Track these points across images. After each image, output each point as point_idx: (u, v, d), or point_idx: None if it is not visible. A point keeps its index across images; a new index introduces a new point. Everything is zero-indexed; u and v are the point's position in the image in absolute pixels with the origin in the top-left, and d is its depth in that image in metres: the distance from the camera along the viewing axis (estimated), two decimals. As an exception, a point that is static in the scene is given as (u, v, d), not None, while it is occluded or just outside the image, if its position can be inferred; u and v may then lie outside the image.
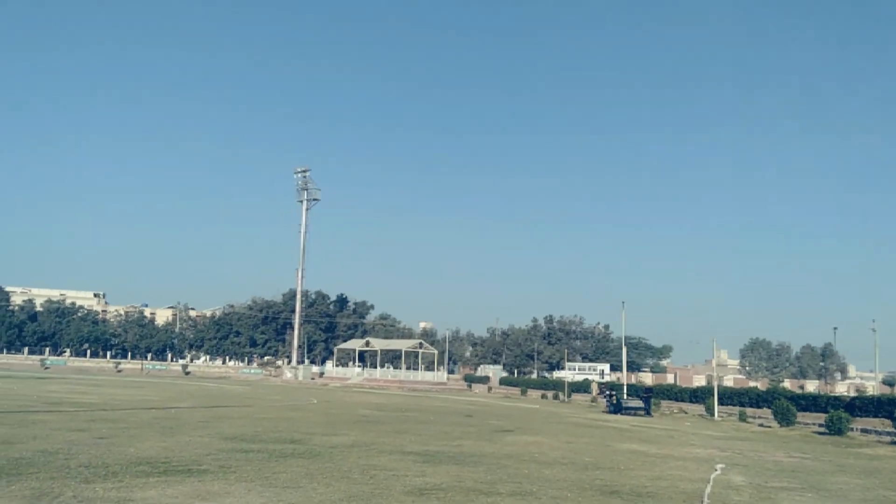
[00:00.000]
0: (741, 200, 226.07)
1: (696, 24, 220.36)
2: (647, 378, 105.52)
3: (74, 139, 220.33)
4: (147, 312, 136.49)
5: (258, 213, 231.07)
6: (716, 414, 41.83)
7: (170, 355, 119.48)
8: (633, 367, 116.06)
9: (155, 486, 10.62)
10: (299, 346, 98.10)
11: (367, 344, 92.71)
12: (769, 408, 39.92)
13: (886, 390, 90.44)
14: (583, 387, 70.76)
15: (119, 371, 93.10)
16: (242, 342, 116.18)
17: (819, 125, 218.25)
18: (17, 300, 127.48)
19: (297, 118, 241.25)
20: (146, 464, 12.84)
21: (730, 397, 49.00)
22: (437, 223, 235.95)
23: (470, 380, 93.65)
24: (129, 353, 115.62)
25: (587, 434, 25.93)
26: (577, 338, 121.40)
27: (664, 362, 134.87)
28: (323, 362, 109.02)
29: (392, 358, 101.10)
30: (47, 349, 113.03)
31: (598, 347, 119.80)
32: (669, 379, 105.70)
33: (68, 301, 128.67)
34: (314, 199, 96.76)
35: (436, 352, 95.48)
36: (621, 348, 67.41)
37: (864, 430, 32.95)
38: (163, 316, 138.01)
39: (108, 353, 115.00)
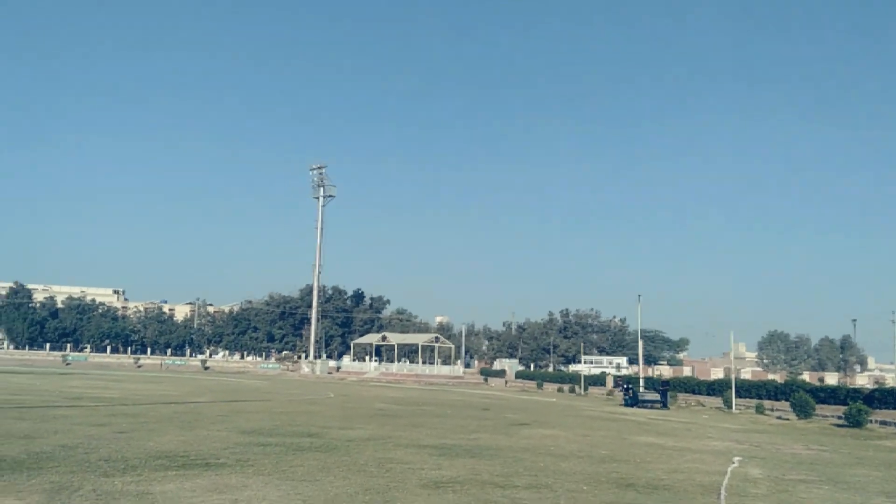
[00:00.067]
0: (759, 193, 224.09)
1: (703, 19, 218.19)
2: (665, 371, 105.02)
3: (91, 139, 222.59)
4: (166, 308, 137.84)
5: (275, 210, 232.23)
6: (733, 406, 41.57)
7: (189, 351, 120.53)
8: (650, 360, 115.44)
9: (173, 480, 10.75)
10: (316, 341, 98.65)
11: (384, 338, 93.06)
12: (787, 400, 39.58)
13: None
14: (599, 380, 70.60)
15: (139, 366, 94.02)
16: (260, 337, 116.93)
17: (842, 118, 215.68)
18: (38, 297, 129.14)
19: (315, 116, 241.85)
20: (165, 458, 12.99)
21: (747, 390, 48.67)
22: (453, 218, 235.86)
23: (486, 373, 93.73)
24: (149, 349, 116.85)
25: (603, 427, 25.88)
26: (593, 331, 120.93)
27: (681, 355, 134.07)
28: (340, 357, 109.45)
29: (408, 352, 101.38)
30: (68, 345, 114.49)
31: (615, 341, 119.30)
32: (687, 372, 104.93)
33: (89, 298, 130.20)
34: (330, 196, 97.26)
35: (452, 346, 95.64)
36: (638, 341, 67.13)
37: (883, 423, 32.60)
38: (181, 312, 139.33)
39: (128, 349, 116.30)
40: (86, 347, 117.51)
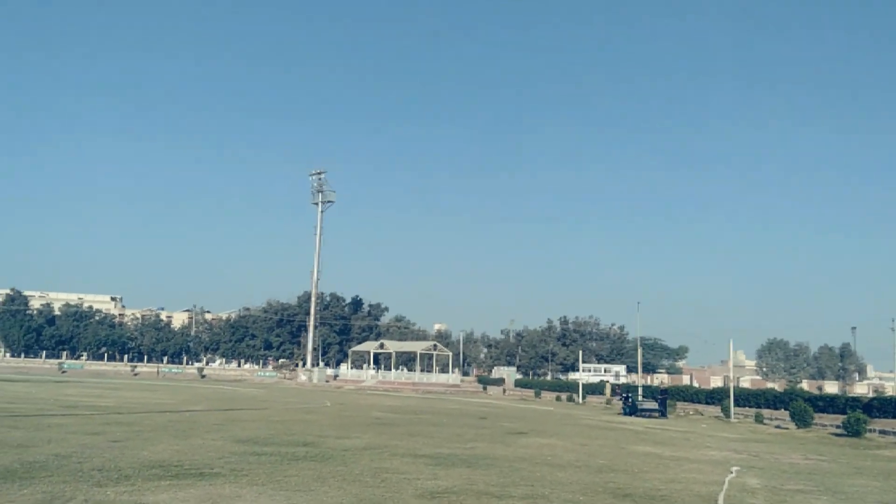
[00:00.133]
0: (757, 199, 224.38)
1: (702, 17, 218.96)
2: (664, 379, 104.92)
3: (89, 142, 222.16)
4: (163, 316, 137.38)
5: (273, 216, 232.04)
6: (732, 415, 41.47)
7: (185, 358, 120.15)
8: (649, 368, 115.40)
9: (166, 490, 10.66)
10: (314, 349, 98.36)
11: (382, 346, 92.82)
12: (786, 409, 39.50)
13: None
14: (598, 388, 70.41)
15: (135, 374, 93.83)
16: (258, 345, 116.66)
17: (843, 120, 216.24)
18: (35, 304, 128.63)
19: (311, 121, 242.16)
20: (159, 467, 12.89)
21: (746, 399, 48.57)
22: (451, 225, 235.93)
23: (484, 381, 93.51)
24: (146, 357, 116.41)
25: (601, 436, 25.79)
26: (592, 339, 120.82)
27: (680, 363, 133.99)
28: (337, 365, 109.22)
29: (406, 360, 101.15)
30: (65, 353, 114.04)
31: (614, 349, 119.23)
32: (686, 380, 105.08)
33: (85, 305, 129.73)
34: (329, 202, 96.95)
35: (450, 354, 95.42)
36: (637, 349, 67.01)
37: (882, 432, 32.49)
38: (179, 319, 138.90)
39: (125, 357, 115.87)
40: (82, 355, 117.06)
